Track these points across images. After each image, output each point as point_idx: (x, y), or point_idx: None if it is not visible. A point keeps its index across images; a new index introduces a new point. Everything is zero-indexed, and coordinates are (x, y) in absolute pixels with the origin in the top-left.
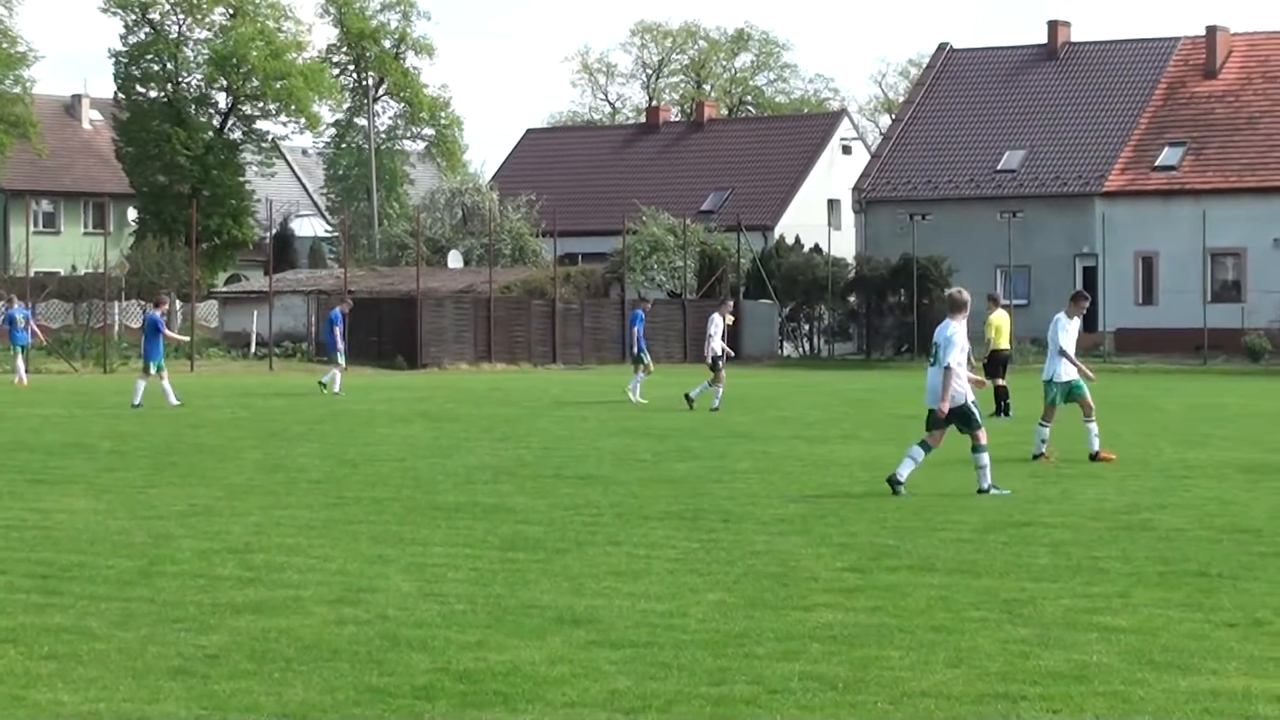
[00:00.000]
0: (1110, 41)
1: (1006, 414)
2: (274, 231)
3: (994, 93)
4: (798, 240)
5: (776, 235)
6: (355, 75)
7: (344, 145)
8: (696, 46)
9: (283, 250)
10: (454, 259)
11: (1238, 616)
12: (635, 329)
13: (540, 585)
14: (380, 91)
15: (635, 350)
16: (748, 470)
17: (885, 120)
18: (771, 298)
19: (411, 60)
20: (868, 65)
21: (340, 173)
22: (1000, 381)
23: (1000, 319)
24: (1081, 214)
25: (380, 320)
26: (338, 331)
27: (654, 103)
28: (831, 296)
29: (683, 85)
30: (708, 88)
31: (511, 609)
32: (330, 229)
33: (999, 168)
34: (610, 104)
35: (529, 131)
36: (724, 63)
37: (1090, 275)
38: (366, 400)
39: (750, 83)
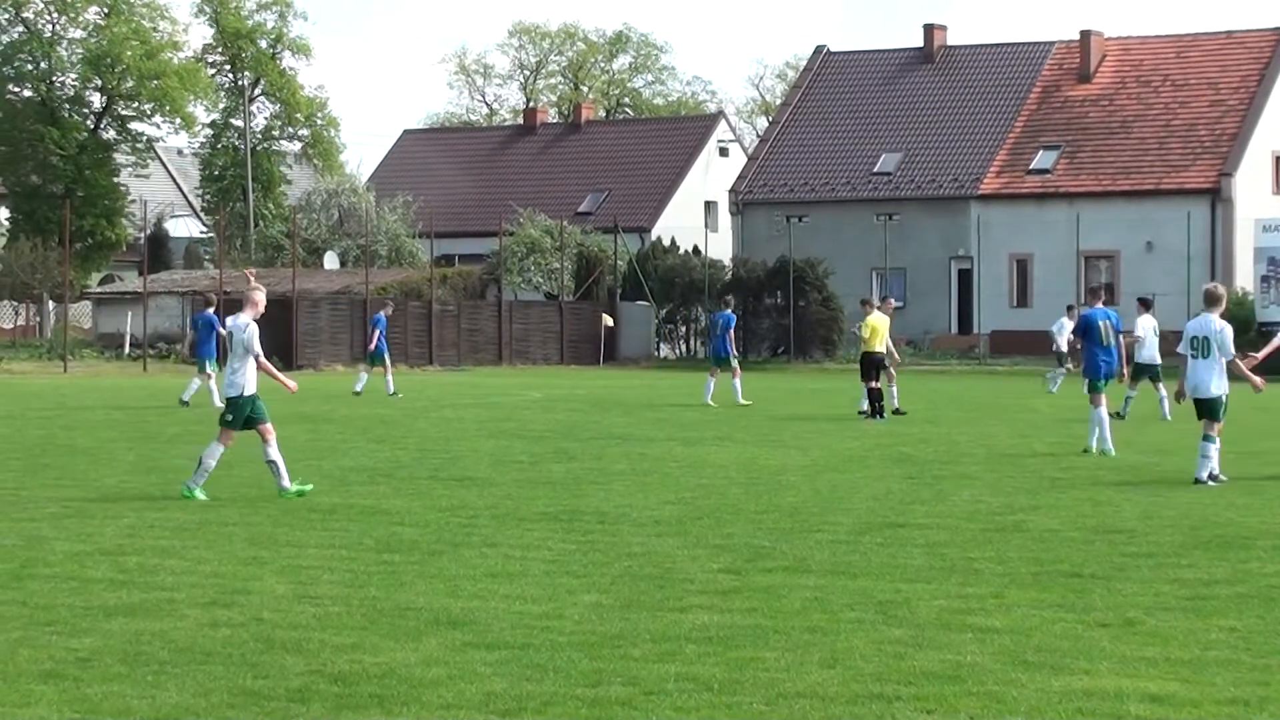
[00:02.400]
0: (986, 45)
1: (880, 416)
2: (148, 232)
3: (870, 96)
4: (674, 242)
5: (654, 237)
6: (231, 75)
7: (220, 145)
8: (574, 48)
9: (157, 251)
10: (330, 260)
11: (1110, 617)
12: (728, 331)
13: (416, 587)
14: (256, 92)
15: (722, 354)
16: (624, 472)
17: (762, 122)
18: (648, 299)
19: (288, 61)
20: (745, 68)
21: (216, 173)
22: (874, 384)
23: (878, 321)
24: (957, 216)
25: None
26: (379, 334)
27: (531, 104)
28: (708, 298)
29: (560, 87)
30: (585, 89)
31: (387, 611)
32: (205, 230)
33: (875, 170)
34: (487, 105)
35: (406, 132)
36: (602, 64)
37: (965, 278)
38: None
39: (628, 85)
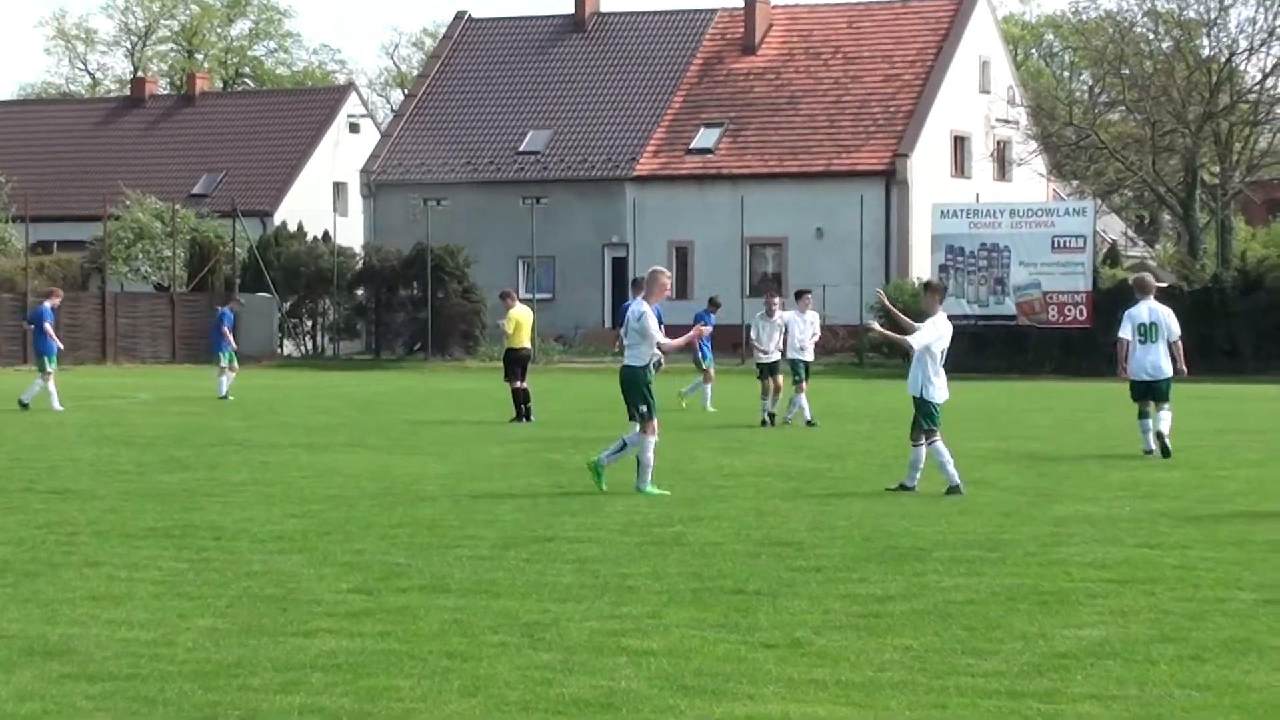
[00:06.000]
0: (642, 13)
1: (528, 418)
2: None
3: (516, 67)
4: (301, 227)
5: (277, 222)
6: None
7: None
8: (188, 11)
9: None
10: None
11: (776, 637)
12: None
13: (8, 613)
14: None
15: (701, 356)
16: (243, 482)
17: (397, 96)
18: (271, 291)
19: None
20: (378, 35)
21: None
22: (520, 384)
23: (521, 315)
24: (610, 200)
25: None
26: (226, 331)
27: (139, 73)
28: (337, 290)
29: (172, 54)
30: (200, 57)
31: None
32: None
33: (521, 149)
34: (90, 74)
35: None
36: (219, 30)
37: (620, 267)
38: None
39: (248, 53)
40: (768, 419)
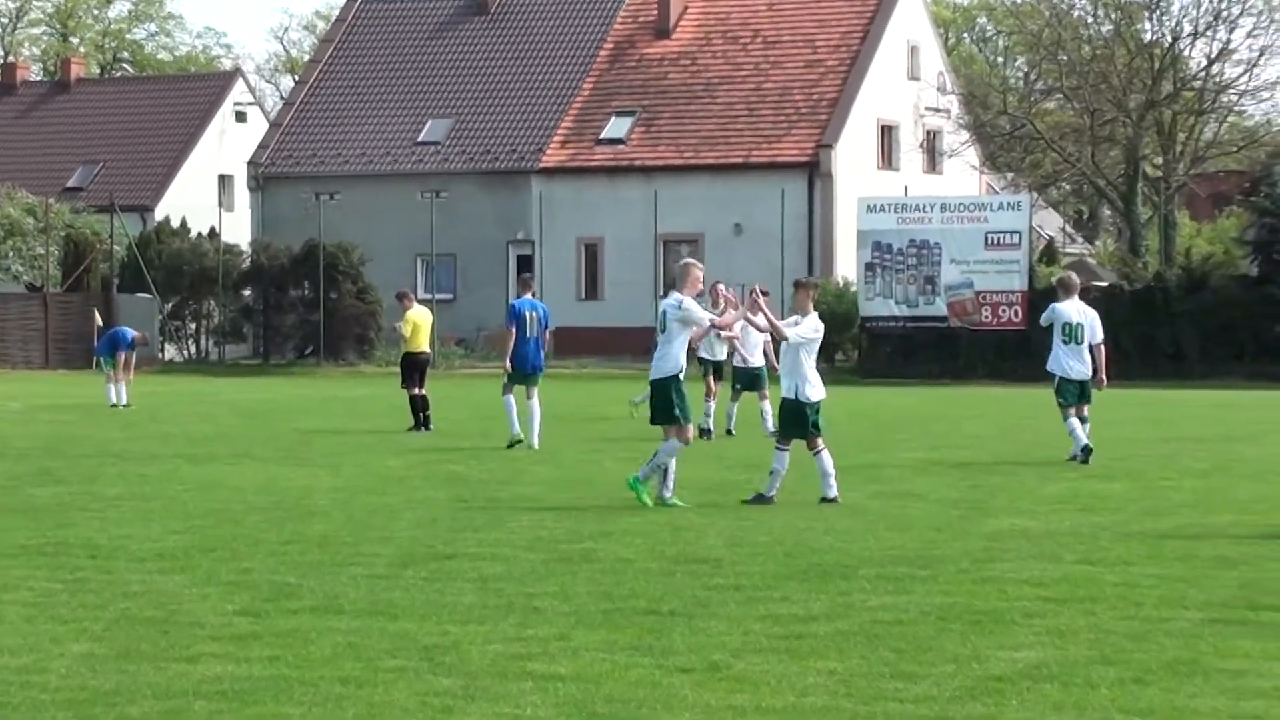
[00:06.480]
0: None
1: (426, 427)
2: None
3: (415, 51)
4: (183, 223)
5: (158, 217)
6: None
7: None
8: None
9: None
10: None
11: (692, 660)
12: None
13: None
14: None
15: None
16: (121, 496)
17: (287, 82)
18: (151, 291)
19: None
20: (267, 18)
21: None
22: (419, 391)
23: (420, 316)
24: (515, 193)
25: None
26: (121, 354)
27: (10, 58)
28: (223, 290)
29: (45, 38)
30: (76, 41)
31: None
32: None
33: (420, 139)
34: None
35: None
36: (95, 12)
37: (526, 265)
38: None
39: (127, 36)
40: (730, 430)
